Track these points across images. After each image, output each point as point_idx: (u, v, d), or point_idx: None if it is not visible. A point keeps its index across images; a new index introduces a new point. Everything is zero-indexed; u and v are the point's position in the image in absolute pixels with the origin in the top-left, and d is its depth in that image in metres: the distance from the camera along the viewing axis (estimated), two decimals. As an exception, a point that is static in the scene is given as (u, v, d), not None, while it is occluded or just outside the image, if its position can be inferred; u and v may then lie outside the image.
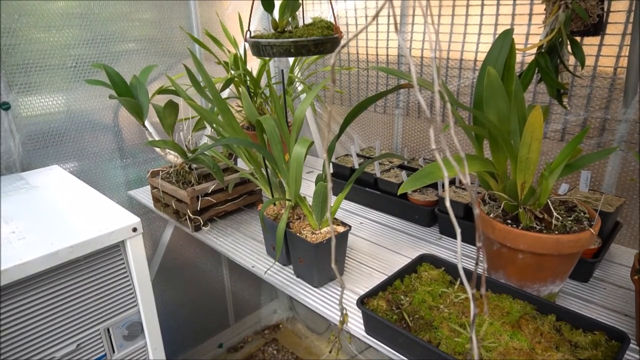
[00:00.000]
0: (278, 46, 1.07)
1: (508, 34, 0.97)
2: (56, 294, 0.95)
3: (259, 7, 1.88)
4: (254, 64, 1.77)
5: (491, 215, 0.95)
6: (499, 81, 0.87)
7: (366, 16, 1.69)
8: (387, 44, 1.66)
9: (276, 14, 1.13)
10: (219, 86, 1.53)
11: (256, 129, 1.09)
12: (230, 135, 1.19)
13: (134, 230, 1.03)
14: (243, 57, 1.61)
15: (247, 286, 2.35)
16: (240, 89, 1.64)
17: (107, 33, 1.56)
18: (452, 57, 1.47)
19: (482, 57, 1.42)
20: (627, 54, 1.15)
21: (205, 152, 1.33)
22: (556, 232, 0.88)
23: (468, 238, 1.22)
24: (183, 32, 1.74)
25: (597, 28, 1.14)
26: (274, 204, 1.21)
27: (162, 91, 1.40)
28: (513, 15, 1.33)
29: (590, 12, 1.10)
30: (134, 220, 1.04)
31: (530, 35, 1.30)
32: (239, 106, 1.74)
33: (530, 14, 1.29)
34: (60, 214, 1.08)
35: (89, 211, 1.10)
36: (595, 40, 1.19)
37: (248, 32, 1.13)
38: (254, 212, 1.50)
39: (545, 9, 1.13)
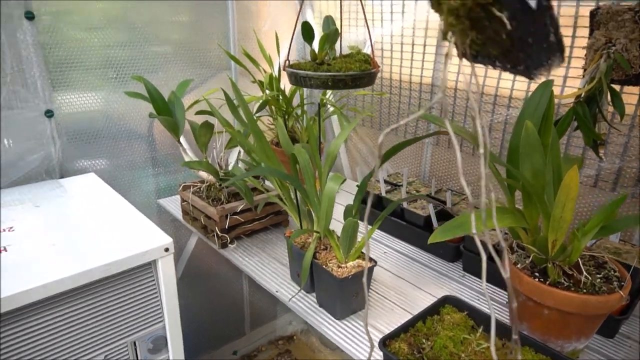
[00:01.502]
0: (316, 79, 1.09)
1: (548, 85, 0.96)
2: (88, 308, 0.99)
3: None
4: (286, 80, 1.79)
5: (519, 266, 0.95)
6: (537, 136, 0.87)
7: (402, 43, 1.70)
8: (421, 73, 1.67)
9: (315, 44, 1.16)
10: (252, 105, 1.56)
11: (290, 161, 1.11)
12: (262, 159, 1.21)
13: (166, 250, 1.07)
14: (277, 76, 1.64)
15: (264, 296, 2.38)
16: (273, 108, 1.67)
17: (145, 35, 1.59)
18: (487, 92, 1.47)
19: (517, 94, 1.41)
20: (668, 107, 1.13)
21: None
22: (584, 290, 0.88)
23: (491, 278, 1.22)
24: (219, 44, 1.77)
25: (638, 78, 1.12)
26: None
27: (198, 112, 1.44)
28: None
29: (632, 63, 1.08)
30: (166, 240, 1.07)
31: (567, 78, 1.29)
32: (271, 123, 1.77)
33: (570, 57, 1.28)
34: (96, 229, 1.12)
35: (124, 228, 1.14)
36: (635, 89, 1.18)
37: (287, 62, 1.15)
38: (280, 232, 1.52)
39: (585, 55, 1.12)
